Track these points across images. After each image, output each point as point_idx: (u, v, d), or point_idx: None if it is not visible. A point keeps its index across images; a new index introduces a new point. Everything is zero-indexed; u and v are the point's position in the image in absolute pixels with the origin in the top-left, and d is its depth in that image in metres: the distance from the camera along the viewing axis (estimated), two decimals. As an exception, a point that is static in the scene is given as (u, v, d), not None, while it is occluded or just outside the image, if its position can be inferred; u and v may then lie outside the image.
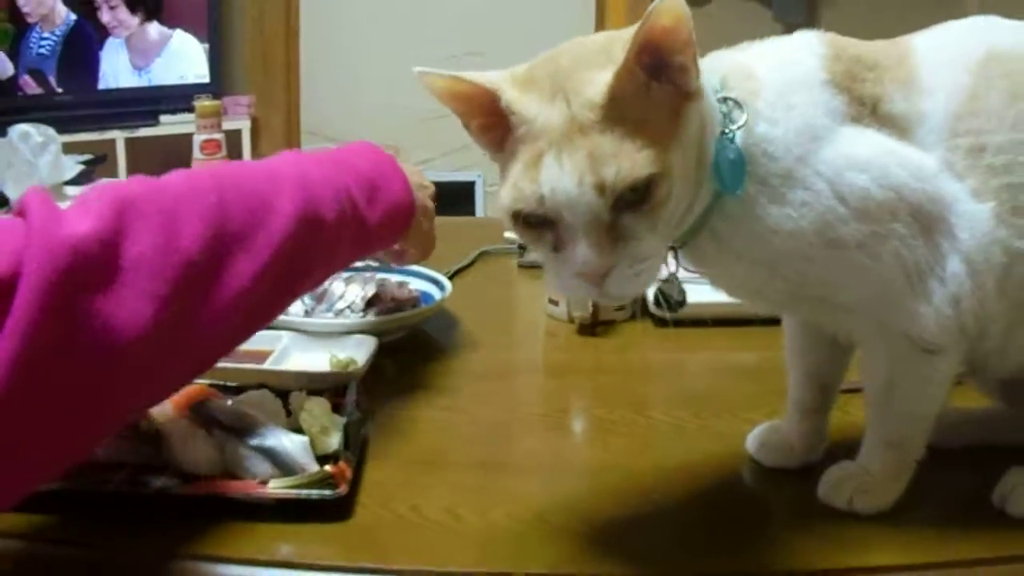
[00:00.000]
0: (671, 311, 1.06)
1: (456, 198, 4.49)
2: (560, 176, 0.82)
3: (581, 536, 0.97)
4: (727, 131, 0.90)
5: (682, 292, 1.05)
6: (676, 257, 0.99)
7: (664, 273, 0.99)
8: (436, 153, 4.59)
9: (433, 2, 4.60)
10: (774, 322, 1.12)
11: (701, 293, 1.50)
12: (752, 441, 1.12)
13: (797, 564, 0.94)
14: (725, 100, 0.92)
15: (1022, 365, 1.00)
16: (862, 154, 0.92)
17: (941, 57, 0.96)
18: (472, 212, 4.55)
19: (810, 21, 3.66)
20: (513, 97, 0.87)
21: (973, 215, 0.93)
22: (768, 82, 0.93)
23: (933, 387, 0.98)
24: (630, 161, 0.81)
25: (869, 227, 0.91)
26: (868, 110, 0.93)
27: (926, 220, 0.92)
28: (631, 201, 0.83)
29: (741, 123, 0.91)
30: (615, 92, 0.83)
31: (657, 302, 1.06)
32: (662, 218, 0.85)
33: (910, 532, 0.97)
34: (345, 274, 1.49)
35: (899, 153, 0.93)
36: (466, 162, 4.50)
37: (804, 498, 1.02)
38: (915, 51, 0.97)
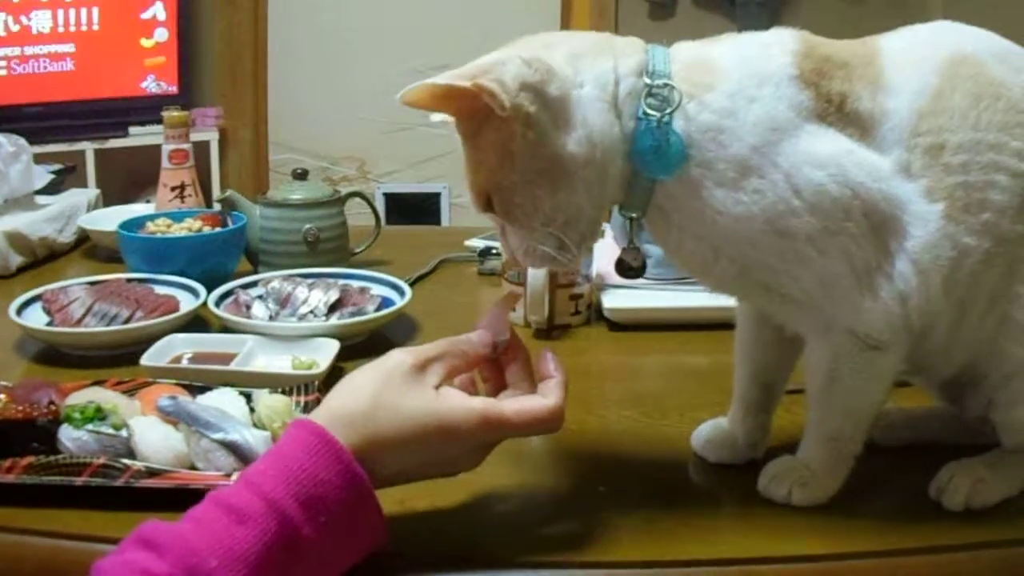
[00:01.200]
0: (627, 276, 1.11)
1: (422, 209, 4.53)
2: None
3: (528, 525, 1.01)
4: (648, 116, 0.95)
5: (640, 259, 1.09)
6: (632, 228, 1.04)
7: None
8: (402, 164, 4.63)
9: (399, 16, 4.64)
10: (726, 327, 1.15)
11: (655, 299, 1.57)
12: (697, 438, 1.14)
13: (738, 552, 0.96)
14: (665, 86, 0.96)
15: (965, 365, 1.03)
16: (822, 151, 0.94)
17: (909, 57, 0.99)
18: (438, 222, 4.57)
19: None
20: None
21: (924, 215, 0.95)
22: (730, 74, 0.96)
23: (875, 383, 1.00)
24: (471, 179, 0.99)
25: (821, 222, 0.94)
26: (834, 107, 0.96)
27: (878, 219, 0.95)
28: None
29: (668, 111, 0.95)
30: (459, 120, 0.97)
31: (617, 268, 1.10)
32: (515, 219, 0.97)
33: (847, 522, 0.99)
34: (308, 280, 1.54)
35: (857, 153, 0.95)
36: (432, 173, 4.54)
37: (747, 492, 1.04)
38: (883, 51, 1.00)
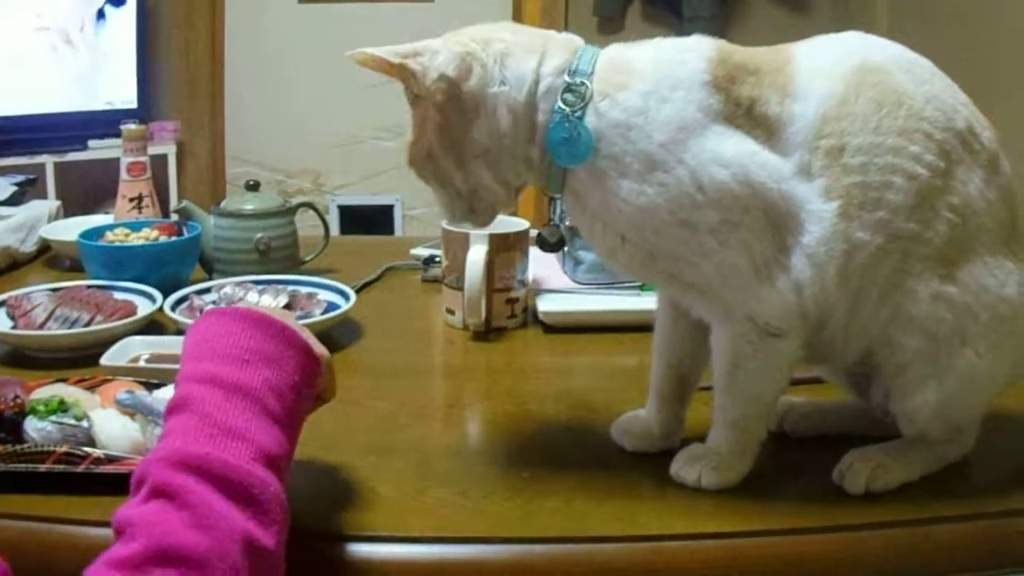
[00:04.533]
0: (546, 251, 1.24)
1: (376, 221, 4.56)
2: None
3: (459, 506, 1.07)
4: (562, 110, 1.05)
5: (558, 235, 1.21)
6: (551, 206, 1.15)
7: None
8: (355, 177, 4.67)
9: (354, 33, 4.69)
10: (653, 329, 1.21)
11: (587, 303, 1.64)
12: (617, 428, 1.20)
13: (650, 530, 1.02)
14: (581, 84, 1.06)
15: (862, 354, 1.08)
16: (727, 152, 1.00)
17: (818, 64, 1.04)
18: (392, 233, 4.60)
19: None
20: None
21: (820, 213, 1.00)
22: (646, 76, 1.04)
23: (775, 369, 1.06)
24: (410, 140, 1.11)
25: (722, 215, 1.00)
26: (743, 110, 1.02)
27: (776, 216, 1.00)
28: None
29: (579, 107, 1.05)
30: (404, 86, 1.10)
31: (538, 243, 1.22)
32: (430, 180, 1.13)
33: (756, 504, 1.05)
34: (259, 286, 1.61)
35: (761, 155, 1.01)
36: (385, 186, 4.58)
37: (662, 477, 1.10)
38: (795, 59, 1.05)
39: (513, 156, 1.09)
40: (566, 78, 1.06)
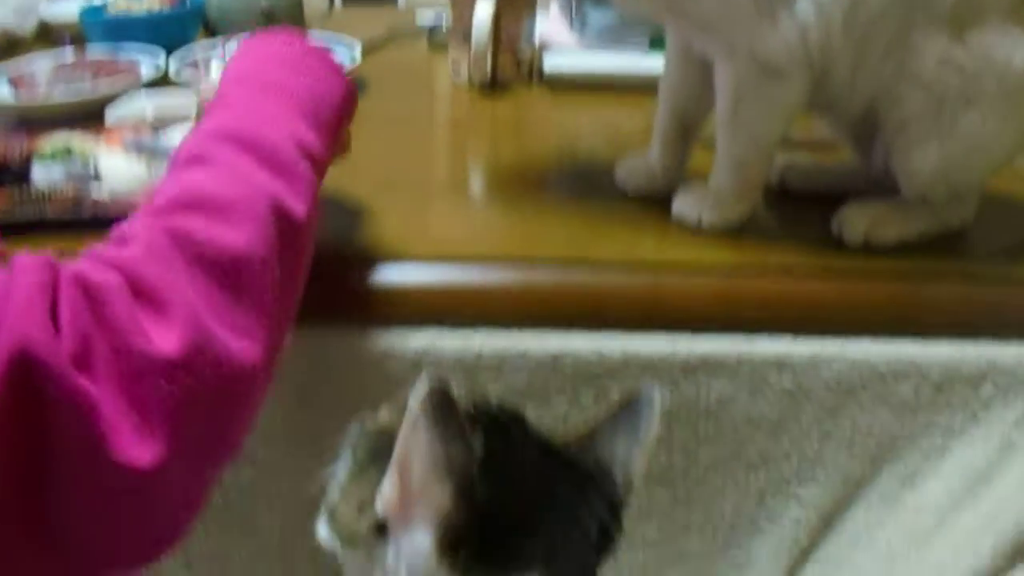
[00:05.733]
0: None
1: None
2: None
3: (463, 235, 1.10)
4: None
5: None
6: None
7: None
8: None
9: None
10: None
11: (594, 61, 1.63)
12: (620, 169, 1.22)
13: (648, 256, 1.06)
14: None
15: (867, 106, 1.07)
16: None
17: None
18: (395, 2, 4.52)
19: None
20: None
21: None
22: None
23: (775, 111, 1.05)
24: None
25: None
26: None
27: None
28: None
29: None
30: None
31: None
32: None
33: (754, 247, 1.07)
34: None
35: None
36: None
37: (663, 216, 1.13)
38: None
39: None
40: None
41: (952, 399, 1.02)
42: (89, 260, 0.71)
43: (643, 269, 1.04)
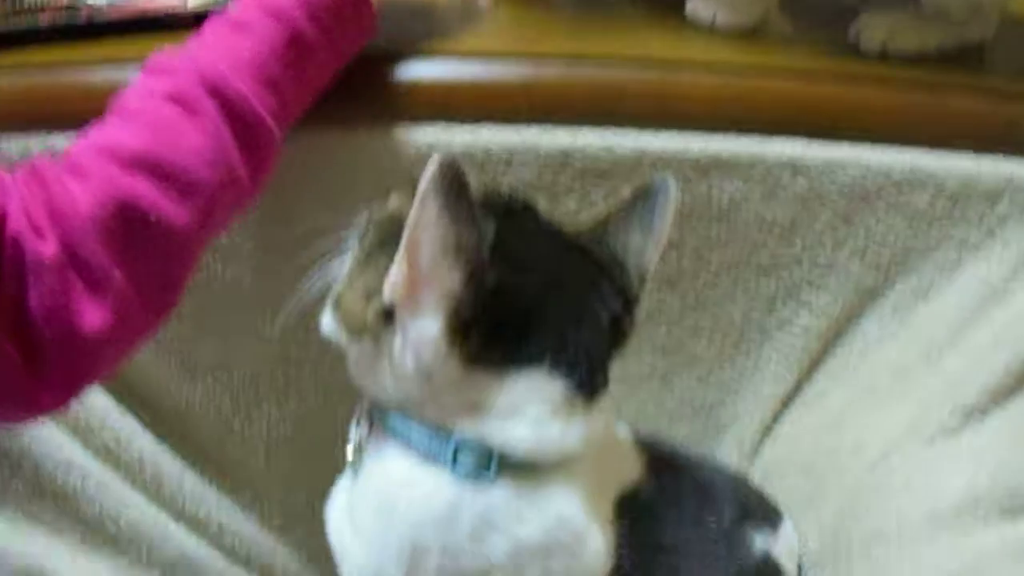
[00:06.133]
0: None
1: None
2: None
3: (471, 30, 1.07)
4: None
5: None
6: None
7: None
8: None
9: None
10: None
11: None
12: None
13: (660, 53, 1.03)
14: None
15: None
16: None
17: None
18: None
19: None
20: None
21: None
22: None
23: None
24: None
25: None
26: None
27: None
28: None
29: None
30: None
31: None
32: None
33: (768, 48, 1.05)
34: None
35: None
36: None
37: (678, 18, 1.09)
38: None
39: None
40: None
41: (968, 213, 1.00)
42: (36, 202, 0.72)
43: (654, 66, 1.01)
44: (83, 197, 0.73)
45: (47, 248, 0.71)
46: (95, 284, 0.73)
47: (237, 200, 0.83)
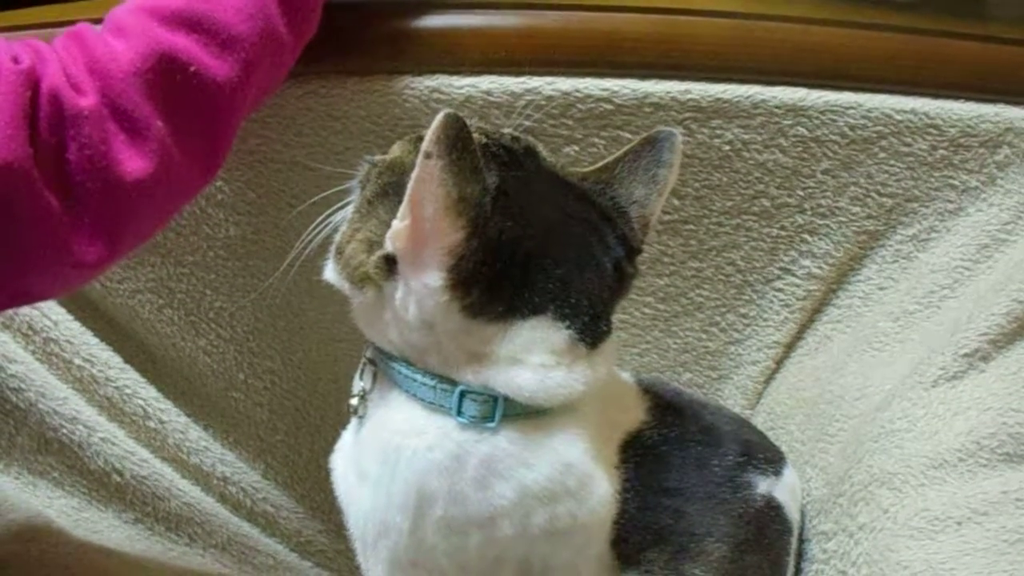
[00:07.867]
0: None
1: None
2: None
3: None
4: None
5: None
6: None
7: None
8: None
9: None
10: None
11: None
12: None
13: (669, 3, 1.02)
14: None
15: None
16: None
17: None
18: None
19: None
20: None
21: None
22: None
23: None
24: None
25: None
26: None
27: None
28: None
29: None
30: None
31: None
32: None
33: None
34: None
35: None
36: None
37: None
38: None
39: None
40: None
41: (968, 159, 1.01)
42: (76, 61, 0.75)
43: (655, 13, 1.00)
44: (124, 52, 0.76)
45: (86, 101, 0.73)
46: (136, 133, 0.75)
47: (279, 57, 0.85)
